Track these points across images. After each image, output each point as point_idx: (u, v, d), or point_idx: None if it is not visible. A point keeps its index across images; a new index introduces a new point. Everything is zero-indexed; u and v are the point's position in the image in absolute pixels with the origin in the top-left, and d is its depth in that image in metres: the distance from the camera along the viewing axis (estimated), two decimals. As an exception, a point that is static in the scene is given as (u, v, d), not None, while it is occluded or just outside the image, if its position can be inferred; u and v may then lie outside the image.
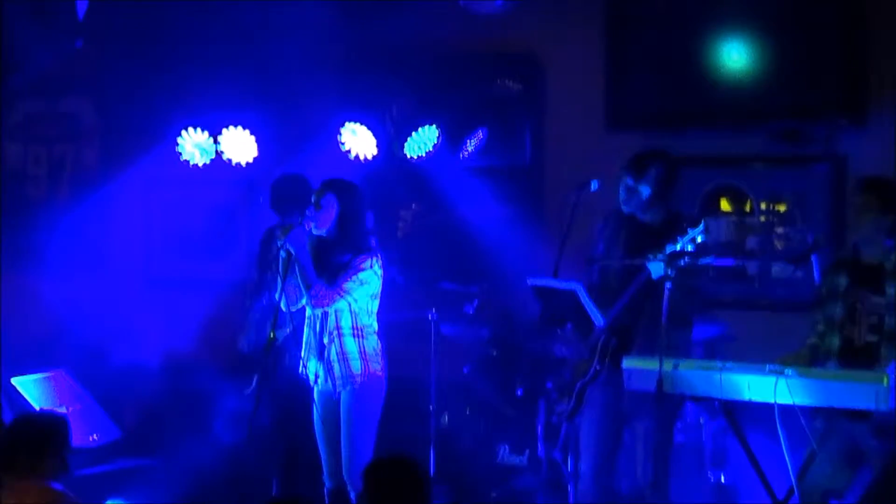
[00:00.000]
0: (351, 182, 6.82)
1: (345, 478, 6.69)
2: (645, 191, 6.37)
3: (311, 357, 6.72)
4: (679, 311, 6.06)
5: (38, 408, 7.70)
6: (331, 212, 6.66)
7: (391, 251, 8.00)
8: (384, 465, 5.02)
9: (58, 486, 5.45)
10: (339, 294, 6.59)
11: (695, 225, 6.03)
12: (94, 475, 7.68)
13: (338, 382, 6.63)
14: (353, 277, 6.60)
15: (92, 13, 8.62)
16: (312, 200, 6.68)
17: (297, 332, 6.76)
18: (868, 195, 5.97)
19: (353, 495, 6.68)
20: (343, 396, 6.65)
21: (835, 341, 5.95)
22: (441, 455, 7.69)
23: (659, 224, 6.38)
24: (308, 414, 6.83)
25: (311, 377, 6.75)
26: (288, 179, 7.85)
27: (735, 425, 5.89)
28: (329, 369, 6.65)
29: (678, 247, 6.02)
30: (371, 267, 6.63)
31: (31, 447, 5.49)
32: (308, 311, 6.74)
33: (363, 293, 6.64)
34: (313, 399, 6.77)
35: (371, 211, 6.81)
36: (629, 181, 6.41)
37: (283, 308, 6.61)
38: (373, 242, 6.83)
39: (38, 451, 5.48)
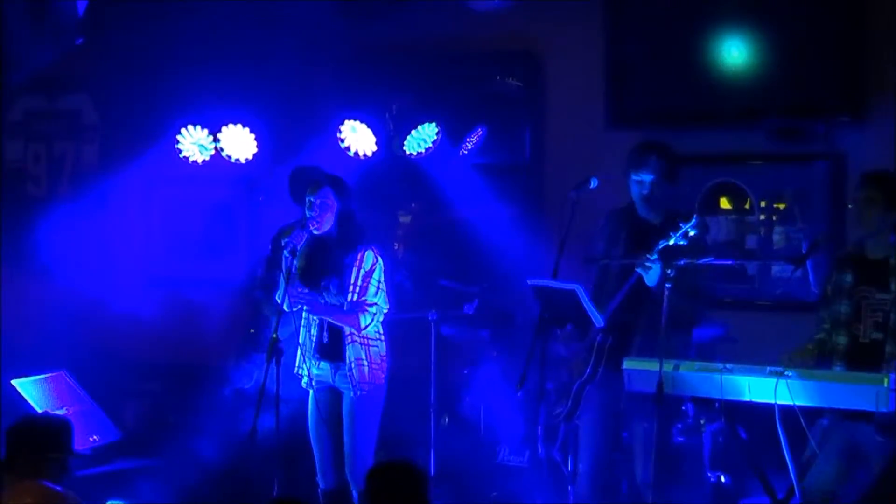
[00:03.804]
0: (341, 177, 6.82)
1: (348, 477, 6.70)
2: (647, 178, 6.36)
3: (308, 358, 6.71)
4: (682, 314, 6.06)
5: (38, 409, 7.70)
6: (331, 208, 6.65)
7: (390, 250, 8.00)
8: (385, 468, 5.04)
9: (58, 487, 5.45)
10: (367, 310, 6.59)
11: (687, 219, 6.03)
12: (95, 476, 7.68)
13: (338, 381, 6.63)
14: (372, 283, 6.60)
15: (92, 11, 8.61)
16: (309, 199, 6.66)
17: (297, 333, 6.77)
18: (872, 190, 5.92)
19: (355, 494, 6.69)
20: (349, 398, 6.65)
21: (841, 339, 5.92)
22: (441, 455, 7.69)
23: (659, 223, 6.37)
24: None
25: (305, 379, 6.76)
26: (306, 171, 7.78)
27: (734, 427, 5.89)
28: (337, 371, 6.65)
29: (671, 241, 6.01)
30: (377, 264, 6.62)
31: (32, 448, 5.50)
32: (304, 313, 6.74)
33: (382, 297, 6.65)
34: (307, 401, 6.78)
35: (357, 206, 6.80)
36: (631, 173, 6.40)
37: (286, 309, 6.60)
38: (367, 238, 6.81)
39: (38, 453, 5.49)
